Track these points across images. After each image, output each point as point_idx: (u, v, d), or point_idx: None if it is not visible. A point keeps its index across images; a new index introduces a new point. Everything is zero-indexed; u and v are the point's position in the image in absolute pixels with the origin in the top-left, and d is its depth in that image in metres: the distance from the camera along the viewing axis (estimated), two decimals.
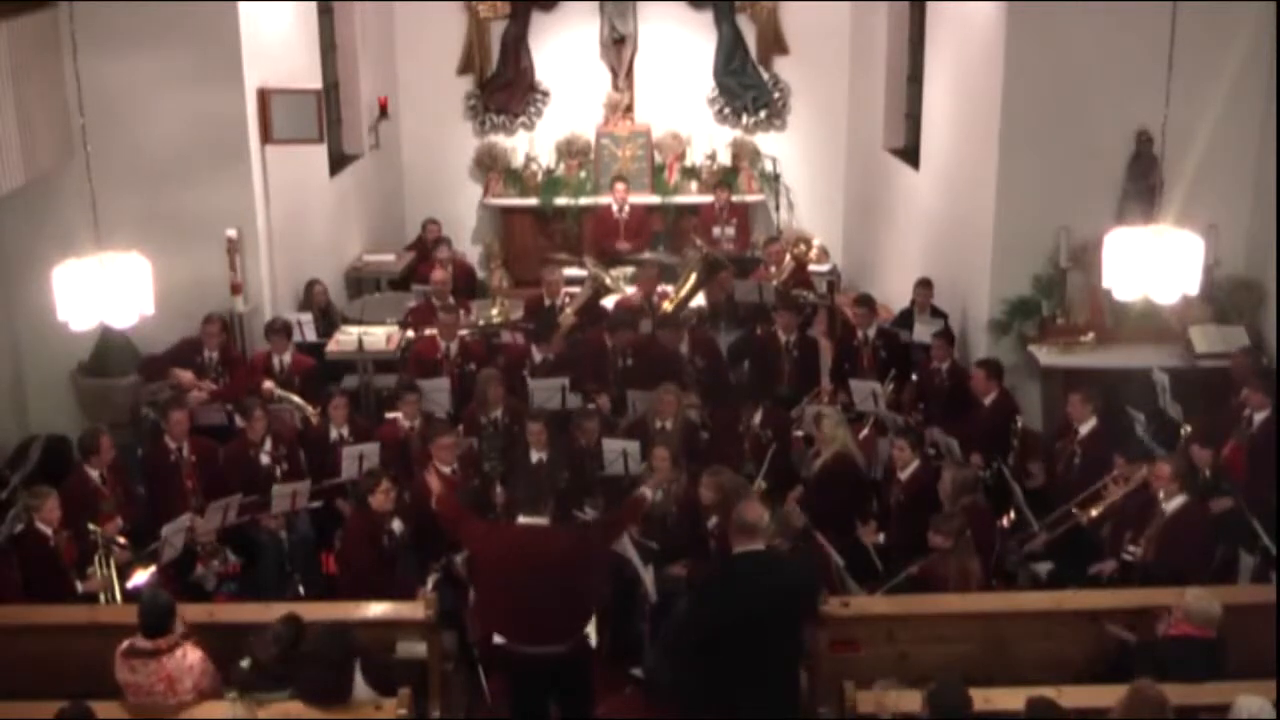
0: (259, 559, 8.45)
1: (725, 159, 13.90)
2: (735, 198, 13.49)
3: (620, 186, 13.08)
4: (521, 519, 6.64)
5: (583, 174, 13.89)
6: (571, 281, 11.74)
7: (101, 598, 7.44)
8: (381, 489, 7.58)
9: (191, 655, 6.21)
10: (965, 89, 10.79)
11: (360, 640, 6.38)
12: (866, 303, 10.50)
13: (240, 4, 9.95)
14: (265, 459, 8.67)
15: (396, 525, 7.70)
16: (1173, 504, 7.41)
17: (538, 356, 9.90)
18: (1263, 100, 9.76)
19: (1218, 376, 9.38)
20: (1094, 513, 7.99)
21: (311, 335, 10.61)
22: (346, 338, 10.35)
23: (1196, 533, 7.44)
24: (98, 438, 8.06)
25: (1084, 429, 8.56)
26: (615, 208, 13.09)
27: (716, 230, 12.99)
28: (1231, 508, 7.90)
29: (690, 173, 13.89)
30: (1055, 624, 6.96)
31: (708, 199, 13.46)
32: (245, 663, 6.24)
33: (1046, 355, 9.91)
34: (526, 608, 6.50)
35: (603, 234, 13.10)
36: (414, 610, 6.90)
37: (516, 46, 13.95)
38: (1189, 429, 8.64)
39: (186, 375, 9.52)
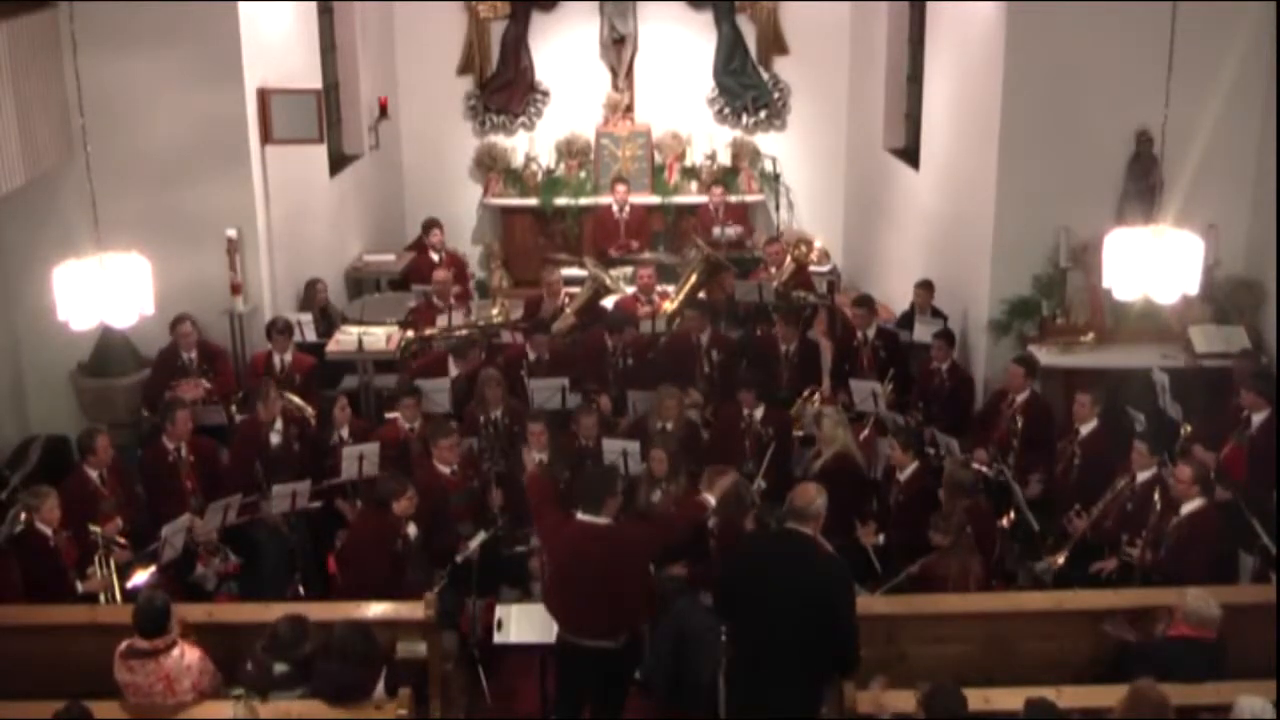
0: (259, 558, 8.47)
1: (725, 159, 13.89)
2: (735, 197, 13.50)
3: (621, 188, 13.07)
4: (580, 515, 6.68)
5: (583, 174, 13.89)
6: (571, 282, 11.74)
7: (101, 598, 7.44)
8: (407, 495, 7.56)
9: (190, 655, 6.22)
10: (965, 89, 10.79)
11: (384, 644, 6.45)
12: (866, 303, 10.49)
13: (240, 4, 9.95)
14: (276, 438, 8.69)
15: (411, 530, 7.69)
16: (1189, 507, 7.38)
17: (532, 355, 9.89)
18: (1263, 100, 9.76)
19: (1218, 377, 9.38)
20: (1081, 519, 8.01)
21: (311, 335, 10.62)
22: (346, 338, 10.34)
23: (1211, 536, 7.42)
24: (95, 438, 8.06)
25: (1085, 430, 8.55)
26: (616, 208, 13.08)
27: (716, 230, 12.97)
28: (1231, 505, 7.90)
29: (690, 173, 13.89)
30: (1055, 624, 6.96)
31: (706, 199, 13.44)
32: (249, 665, 6.26)
33: (1046, 355, 9.89)
34: (585, 602, 6.63)
35: (603, 235, 13.09)
36: (414, 610, 6.90)
37: (516, 46, 13.95)
38: (1187, 430, 8.64)
39: (188, 387, 9.52)
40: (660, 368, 9.87)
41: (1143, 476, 7.86)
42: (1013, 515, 8.27)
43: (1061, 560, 7.91)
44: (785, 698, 6.18)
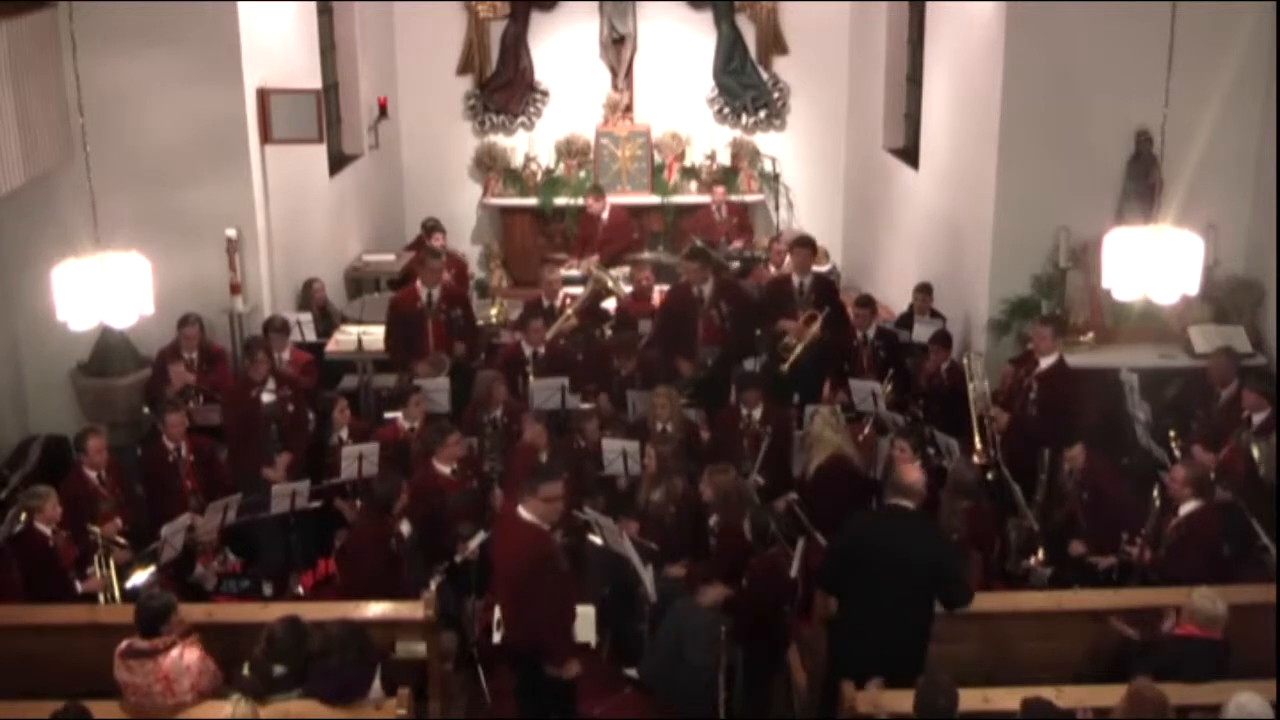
0: (259, 558, 8.48)
1: (725, 159, 13.88)
2: (734, 197, 13.47)
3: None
4: (519, 506, 6.59)
5: (582, 174, 13.88)
6: (568, 282, 11.71)
7: (101, 598, 7.44)
8: (404, 491, 7.61)
9: (189, 655, 6.21)
10: (965, 89, 10.79)
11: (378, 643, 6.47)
12: (867, 303, 10.46)
13: (240, 4, 9.95)
14: (268, 397, 8.72)
15: (405, 528, 7.69)
16: (1187, 507, 7.38)
17: (527, 349, 9.86)
18: (1263, 100, 9.76)
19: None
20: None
21: (311, 335, 10.62)
22: (346, 338, 10.34)
23: (1209, 536, 7.43)
24: (88, 438, 8.06)
25: (1045, 363, 8.61)
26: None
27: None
28: (1231, 505, 7.90)
29: (690, 173, 13.88)
30: (1055, 624, 6.97)
31: (706, 199, 13.39)
32: (246, 669, 6.26)
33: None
34: (500, 595, 6.75)
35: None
36: (414, 610, 6.90)
37: (516, 46, 13.95)
38: (1174, 433, 8.67)
39: (180, 371, 9.51)
40: (663, 327, 9.93)
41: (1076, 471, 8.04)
42: (1041, 555, 8.17)
43: (1041, 556, 7.99)
44: (904, 647, 6.36)
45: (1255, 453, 8.05)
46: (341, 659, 6.18)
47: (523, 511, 6.49)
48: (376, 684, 6.29)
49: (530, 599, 6.52)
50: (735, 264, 12.19)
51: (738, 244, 12.87)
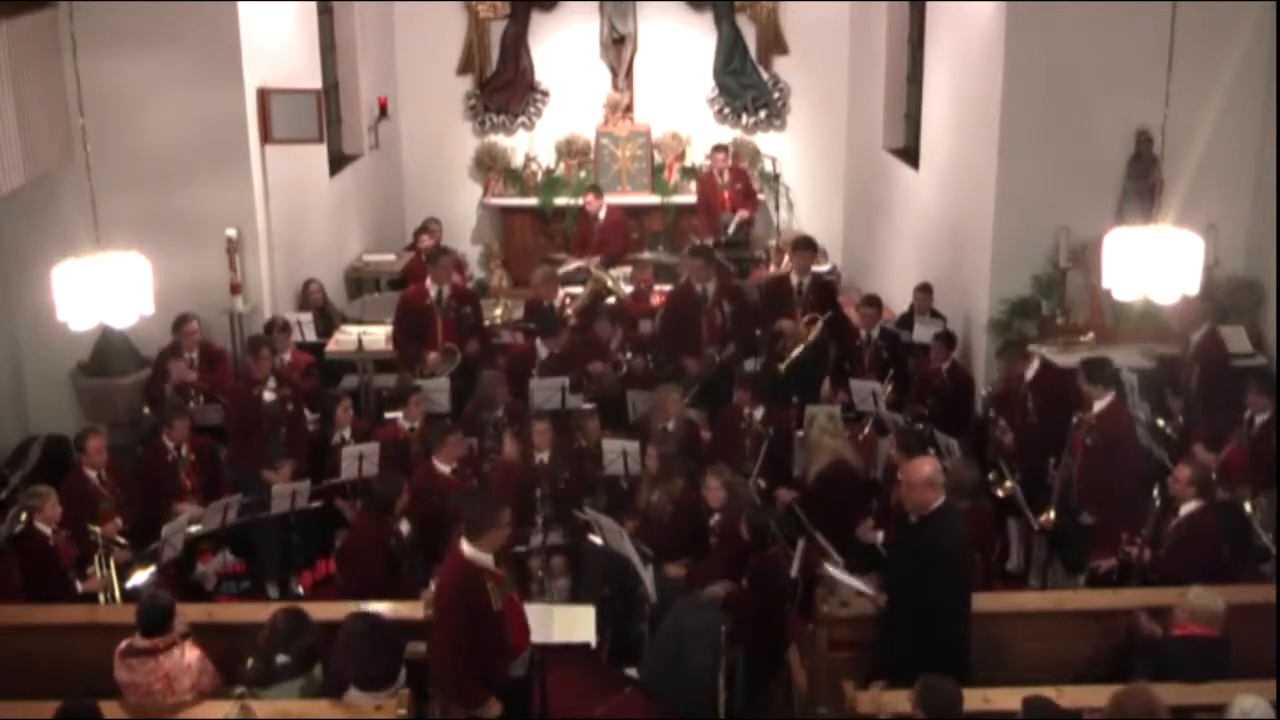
0: (259, 554, 8.49)
1: None
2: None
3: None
4: (463, 540, 6.24)
5: (582, 174, 13.88)
6: (564, 282, 11.69)
7: (101, 598, 7.45)
8: (405, 491, 7.61)
9: (189, 654, 6.22)
10: (965, 89, 10.78)
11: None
12: (874, 303, 10.42)
13: (240, 4, 9.96)
14: (269, 395, 8.74)
15: (404, 527, 7.70)
16: (1188, 507, 7.38)
17: (543, 352, 9.86)
18: (1263, 100, 9.76)
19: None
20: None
21: (311, 335, 10.62)
22: (346, 338, 10.35)
23: (1210, 536, 7.42)
24: (87, 438, 8.06)
25: (1030, 372, 8.77)
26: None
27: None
28: (1231, 505, 7.91)
29: (690, 173, 13.87)
30: (1055, 624, 6.97)
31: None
32: (250, 662, 6.27)
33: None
34: None
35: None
36: (414, 610, 6.89)
37: (516, 46, 13.95)
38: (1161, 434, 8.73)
39: (181, 367, 9.51)
40: (666, 326, 9.98)
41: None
42: (1051, 515, 8.20)
43: (1052, 516, 8.07)
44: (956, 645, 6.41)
45: (1249, 508, 8.02)
46: (369, 646, 6.21)
47: (466, 546, 6.15)
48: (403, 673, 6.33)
49: (439, 635, 6.32)
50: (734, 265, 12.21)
51: (744, 213, 12.70)
